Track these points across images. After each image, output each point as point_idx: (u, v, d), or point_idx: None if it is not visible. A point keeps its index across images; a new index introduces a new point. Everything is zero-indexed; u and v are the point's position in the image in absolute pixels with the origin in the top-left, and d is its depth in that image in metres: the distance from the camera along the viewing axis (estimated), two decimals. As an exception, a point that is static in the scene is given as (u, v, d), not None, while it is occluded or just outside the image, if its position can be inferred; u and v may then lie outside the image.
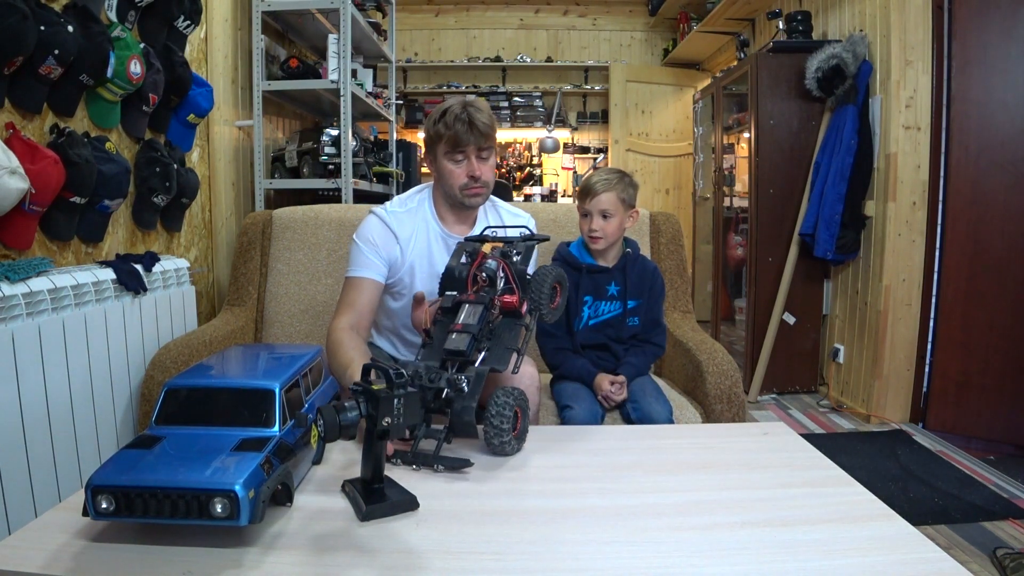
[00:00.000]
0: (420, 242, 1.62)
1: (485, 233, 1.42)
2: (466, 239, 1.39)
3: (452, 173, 1.55)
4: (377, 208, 1.65)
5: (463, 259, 1.30)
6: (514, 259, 1.28)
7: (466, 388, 1.11)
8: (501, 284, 1.25)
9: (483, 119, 1.52)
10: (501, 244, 1.34)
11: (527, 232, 1.37)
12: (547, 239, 1.41)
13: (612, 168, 1.80)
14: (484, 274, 1.25)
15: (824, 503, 0.99)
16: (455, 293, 1.26)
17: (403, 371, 0.92)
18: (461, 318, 1.20)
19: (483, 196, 1.59)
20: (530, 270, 1.30)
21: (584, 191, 1.72)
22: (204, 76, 2.44)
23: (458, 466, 1.09)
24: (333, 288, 2.07)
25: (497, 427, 1.12)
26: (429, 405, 1.13)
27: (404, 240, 1.61)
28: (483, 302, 1.22)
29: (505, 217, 1.71)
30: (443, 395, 1.12)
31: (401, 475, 1.04)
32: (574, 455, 1.19)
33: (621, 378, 1.66)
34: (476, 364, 1.18)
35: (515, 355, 1.22)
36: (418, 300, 1.42)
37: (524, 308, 1.24)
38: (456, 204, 1.60)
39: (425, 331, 1.29)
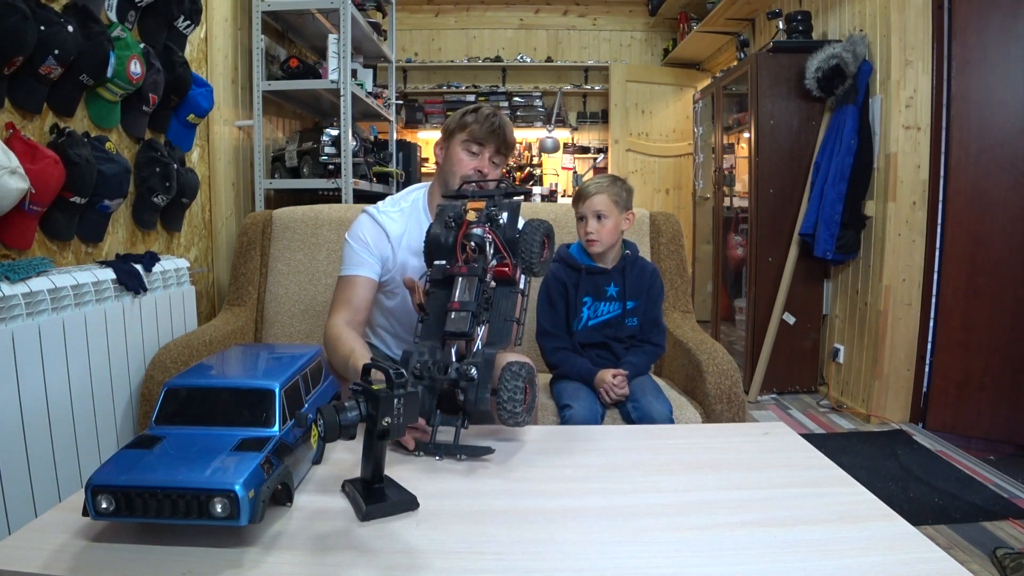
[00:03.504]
0: (413, 240, 1.61)
1: (463, 190, 1.37)
2: (444, 196, 1.35)
3: (462, 161, 1.55)
4: (369, 207, 1.66)
5: (447, 225, 1.25)
6: (501, 223, 1.22)
7: (476, 375, 1.10)
8: (491, 251, 1.21)
9: (509, 132, 1.58)
10: (483, 204, 1.28)
11: (505, 187, 1.32)
12: (528, 192, 1.38)
13: (606, 174, 1.82)
14: (472, 243, 1.21)
15: (824, 503, 0.99)
16: (444, 263, 1.23)
17: (403, 371, 0.92)
18: (456, 295, 1.17)
19: None
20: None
21: (578, 196, 1.76)
22: (204, 76, 2.44)
23: (479, 453, 1.10)
24: (333, 288, 2.06)
25: (511, 411, 1.10)
26: (442, 397, 1.13)
27: (395, 238, 1.61)
28: (476, 274, 1.18)
29: None
30: (455, 386, 1.11)
31: (401, 475, 1.03)
32: (574, 455, 1.18)
33: (623, 371, 1.66)
34: (478, 340, 1.16)
35: (516, 326, 1.21)
36: (409, 286, 1.38)
37: (518, 274, 1.21)
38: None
39: (419, 306, 1.27)
